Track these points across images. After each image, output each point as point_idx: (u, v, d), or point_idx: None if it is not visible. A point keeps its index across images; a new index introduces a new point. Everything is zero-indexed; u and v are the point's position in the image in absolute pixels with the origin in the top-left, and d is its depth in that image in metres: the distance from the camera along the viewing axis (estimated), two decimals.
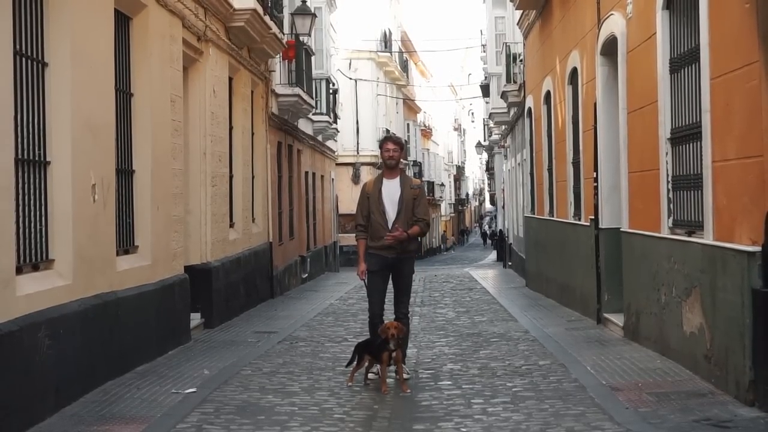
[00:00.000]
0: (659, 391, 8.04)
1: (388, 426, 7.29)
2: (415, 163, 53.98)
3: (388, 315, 9.48)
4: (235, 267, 15.10)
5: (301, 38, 21.16)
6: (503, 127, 31.63)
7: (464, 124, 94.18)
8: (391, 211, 9.16)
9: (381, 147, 9.45)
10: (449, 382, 9.00)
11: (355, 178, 40.28)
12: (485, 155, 61.99)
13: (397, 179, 9.31)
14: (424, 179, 52.10)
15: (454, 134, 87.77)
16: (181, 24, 12.04)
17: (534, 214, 20.32)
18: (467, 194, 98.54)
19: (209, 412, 7.75)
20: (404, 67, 53.40)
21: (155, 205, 10.71)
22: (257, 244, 17.34)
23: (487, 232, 77.29)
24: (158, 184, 10.83)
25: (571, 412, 7.51)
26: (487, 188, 79.81)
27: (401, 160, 9.51)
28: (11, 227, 7.03)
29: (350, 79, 40.67)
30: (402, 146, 9.52)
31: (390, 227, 9.11)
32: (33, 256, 7.70)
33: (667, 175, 9.49)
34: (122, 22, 10.17)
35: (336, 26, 34.92)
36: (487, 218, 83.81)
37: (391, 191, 9.21)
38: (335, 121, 30.33)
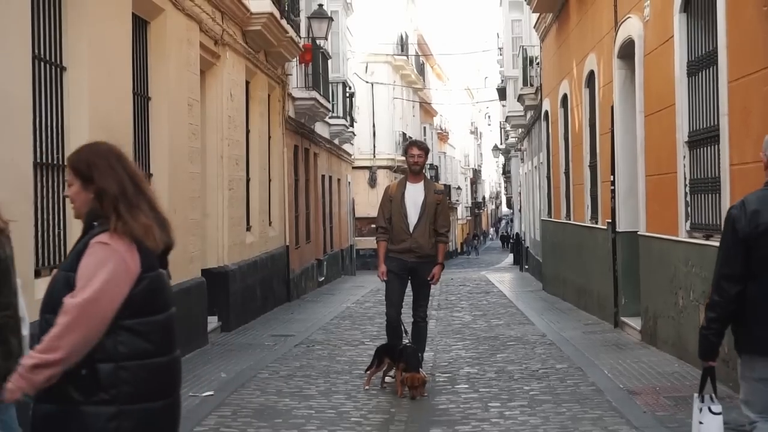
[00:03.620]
0: (677, 395, 8.02)
1: (404, 429, 7.29)
2: (432, 167, 53.90)
3: (405, 318, 9.47)
4: (252, 270, 15.12)
5: (317, 42, 21.20)
6: (520, 130, 31.59)
7: (481, 128, 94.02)
8: (413, 215, 9.17)
9: (406, 152, 9.51)
10: (466, 386, 8.99)
11: (372, 182, 40.26)
12: (502, 158, 61.96)
13: (421, 184, 9.33)
14: (441, 182, 52.04)
15: (471, 137, 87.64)
16: (199, 28, 12.09)
17: (551, 217, 20.28)
18: (484, 197, 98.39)
19: (227, 415, 7.77)
20: (420, 70, 53.39)
21: (172, 208, 10.73)
22: (274, 248, 17.37)
23: (505, 234, 77.13)
24: (175, 187, 10.86)
25: (589, 415, 7.49)
26: (503, 191, 79.68)
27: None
28: (30, 230, 7.06)
29: (367, 82, 40.68)
30: (427, 151, 9.55)
31: (411, 231, 9.13)
32: (51, 259, 7.73)
33: (685, 179, 9.46)
34: (140, 26, 10.22)
35: (352, 30, 34.94)
36: (503, 222, 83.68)
37: (415, 196, 9.23)
38: (352, 125, 30.36)
